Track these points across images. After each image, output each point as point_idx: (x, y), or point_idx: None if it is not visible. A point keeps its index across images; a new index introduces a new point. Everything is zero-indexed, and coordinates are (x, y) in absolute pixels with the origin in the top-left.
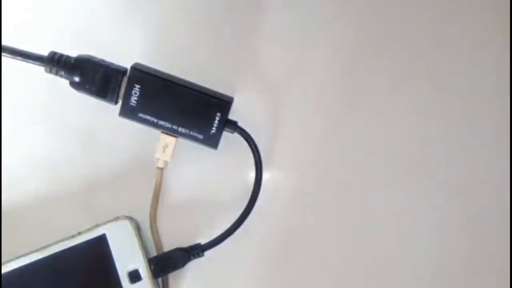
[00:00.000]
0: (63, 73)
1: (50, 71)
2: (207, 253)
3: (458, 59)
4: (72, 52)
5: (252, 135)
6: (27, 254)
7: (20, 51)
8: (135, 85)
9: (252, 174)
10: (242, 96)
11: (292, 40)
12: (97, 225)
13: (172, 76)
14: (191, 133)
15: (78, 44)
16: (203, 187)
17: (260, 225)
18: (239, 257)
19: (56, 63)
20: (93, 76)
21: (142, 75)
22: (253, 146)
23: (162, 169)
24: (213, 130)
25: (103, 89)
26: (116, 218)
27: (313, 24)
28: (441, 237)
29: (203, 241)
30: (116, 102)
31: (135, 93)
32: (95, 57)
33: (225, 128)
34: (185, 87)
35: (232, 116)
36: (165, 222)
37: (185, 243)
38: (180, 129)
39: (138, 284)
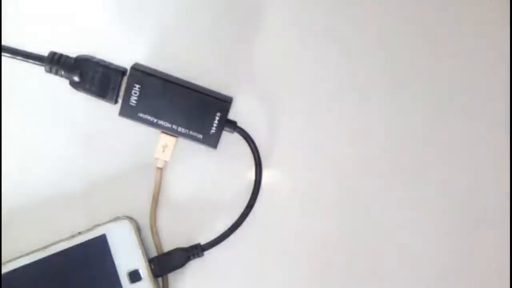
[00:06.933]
0: (63, 73)
1: (50, 71)
2: (207, 253)
3: (458, 59)
4: (72, 52)
5: (252, 135)
6: (27, 254)
7: (20, 51)
8: (135, 85)
9: (252, 174)
10: (242, 96)
11: (292, 40)
12: (97, 225)
13: (172, 76)
14: (191, 133)
15: (78, 44)
16: (203, 187)
17: (260, 225)
18: (239, 257)
19: (56, 63)
20: (93, 76)
21: (142, 75)
22: (252, 146)
23: (161, 169)
24: (213, 130)
25: (103, 89)
26: (116, 218)
27: (313, 25)
28: (441, 238)
29: (203, 241)
30: (116, 102)
31: (135, 93)
32: (95, 57)
33: (225, 128)
34: (185, 87)
35: (231, 116)
36: (165, 222)
37: (185, 243)
38: (179, 129)
39: (138, 284)
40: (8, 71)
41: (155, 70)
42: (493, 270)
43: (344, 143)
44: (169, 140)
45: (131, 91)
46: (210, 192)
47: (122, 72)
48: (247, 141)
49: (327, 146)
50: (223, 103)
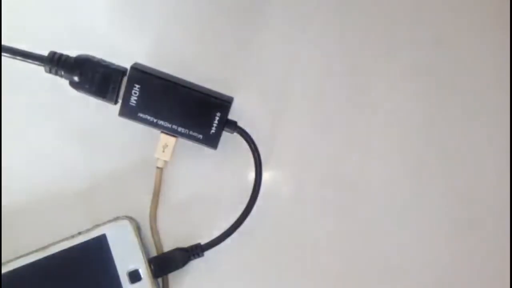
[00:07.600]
0: (63, 73)
1: (50, 71)
2: (207, 253)
3: (458, 58)
4: (72, 52)
5: (252, 135)
6: (27, 254)
7: (20, 51)
8: (135, 85)
9: (252, 174)
10: (242, 96)
11: (292, 40)
12: (97, 225)
13: (172, 76)
14: (191, 133)
15: (78, 44)
16: (203, 187)
17: (260, 225)
18: (239, 257)
19: (56, 63)
20: (93, 76)
21: (142, 75)
22: (252, 146)
23: (161, 169)
24: (213, 130)
25: (103, 89)
26: (116, 218)
27: (313, 24)
28: (441, 238)
29: (203, 241)
30: (116, 102)
31: (135, 93)
32: (95, 57)
33: (225, 128)
34: (185, 87)
35: (232, 116)
36: (165, 222)
37: (185, 243)
38: (179, 129)
39: (138, 284)
40: (8, 71)
41: (155, 70)
42: (493, 270)
43: (344, 143)
44: (169, 140)
45: (131, 91)
46: (210, 192)
47: (122, 72)
48: (247, 141)
49: (327, 146)
50: (223, 103)
